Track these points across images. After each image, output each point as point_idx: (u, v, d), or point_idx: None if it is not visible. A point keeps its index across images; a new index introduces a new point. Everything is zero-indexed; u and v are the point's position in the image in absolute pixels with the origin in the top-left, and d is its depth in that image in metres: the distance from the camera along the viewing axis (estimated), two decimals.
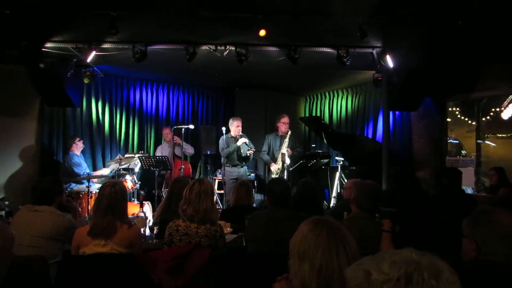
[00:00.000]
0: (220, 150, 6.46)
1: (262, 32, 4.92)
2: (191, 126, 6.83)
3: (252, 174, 7.29)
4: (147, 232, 3.54)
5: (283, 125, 6.53)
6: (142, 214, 3.62)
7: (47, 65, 5.23)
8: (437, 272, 0.88)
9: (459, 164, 6.51)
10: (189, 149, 7.18)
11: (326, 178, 6.60)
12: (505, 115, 8.15)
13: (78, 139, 6.28)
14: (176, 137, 6.89)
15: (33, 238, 2.75)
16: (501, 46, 5.03)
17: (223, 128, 6.36)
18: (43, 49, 5.19)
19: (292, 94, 8.66)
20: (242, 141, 6.36)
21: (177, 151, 6.98)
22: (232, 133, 6.43)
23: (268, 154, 6.63)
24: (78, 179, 5.93)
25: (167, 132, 7.20)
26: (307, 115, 8.72)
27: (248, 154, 6.43)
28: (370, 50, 5.55)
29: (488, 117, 8.35)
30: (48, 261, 2.55)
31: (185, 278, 2.44)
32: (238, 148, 6.38)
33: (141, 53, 5.24)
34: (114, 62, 5.99)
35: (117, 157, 6.27)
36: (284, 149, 6.37)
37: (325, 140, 7.01)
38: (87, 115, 7.11)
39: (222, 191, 6.71)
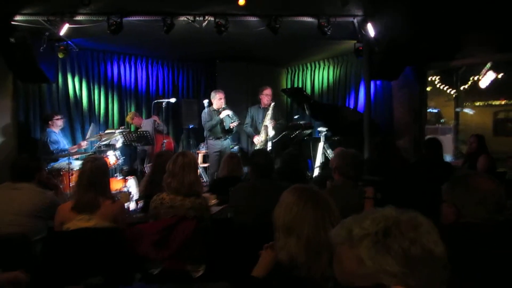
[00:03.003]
0: (203, 124, 6.41)
1: (242, 1, 4.80)
2: (172, 100, 6.73)
3: (236, 147, 7.29)
4: (132, 206, 3.53)
5: (266, 97, 6.49)
6: (125, 189, 3.59)
7: (18, 40, 5.01)
8: (415, 225, 0.90)
9: (438, 132, 6.65)
10: (164, 129, 7.17)
11: (309, 149, 6.64)
12: (482, 84, 8.29)
13: (56, 116, 6.09)
14: (155, 117, 6.82)
15: (14, 217, 2.70)
16: (479, 13, 5.04)
17: (205, 101, 6.29)
18: (13, 23, 4.94)
19: (273, 66, 8.56)
20: (225, 113, 6.30)
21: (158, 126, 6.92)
22: (215, 106, 6.36)
23: (251, 126, 6.62)
24: (54, 156, 5.80)
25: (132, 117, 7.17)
26: (289, 86, 8.68)
27: (231, 127, 6.38)
28: (351, 19, 5.50)
29: (466, 86, 8.50)
30: (31, 238, 2.53)
31: (171, 250, 2.45)
32: (221, 120, 6.33)
33: (116, 25, 5.06)
34: (88, 35, 5.78)
35: (97, 134, 6.14)
36: (267, 121, 6.36)
37: (307, 111, 7.02)
38: (63, 91, 6.90)
39: (206, 164, 6.71)
